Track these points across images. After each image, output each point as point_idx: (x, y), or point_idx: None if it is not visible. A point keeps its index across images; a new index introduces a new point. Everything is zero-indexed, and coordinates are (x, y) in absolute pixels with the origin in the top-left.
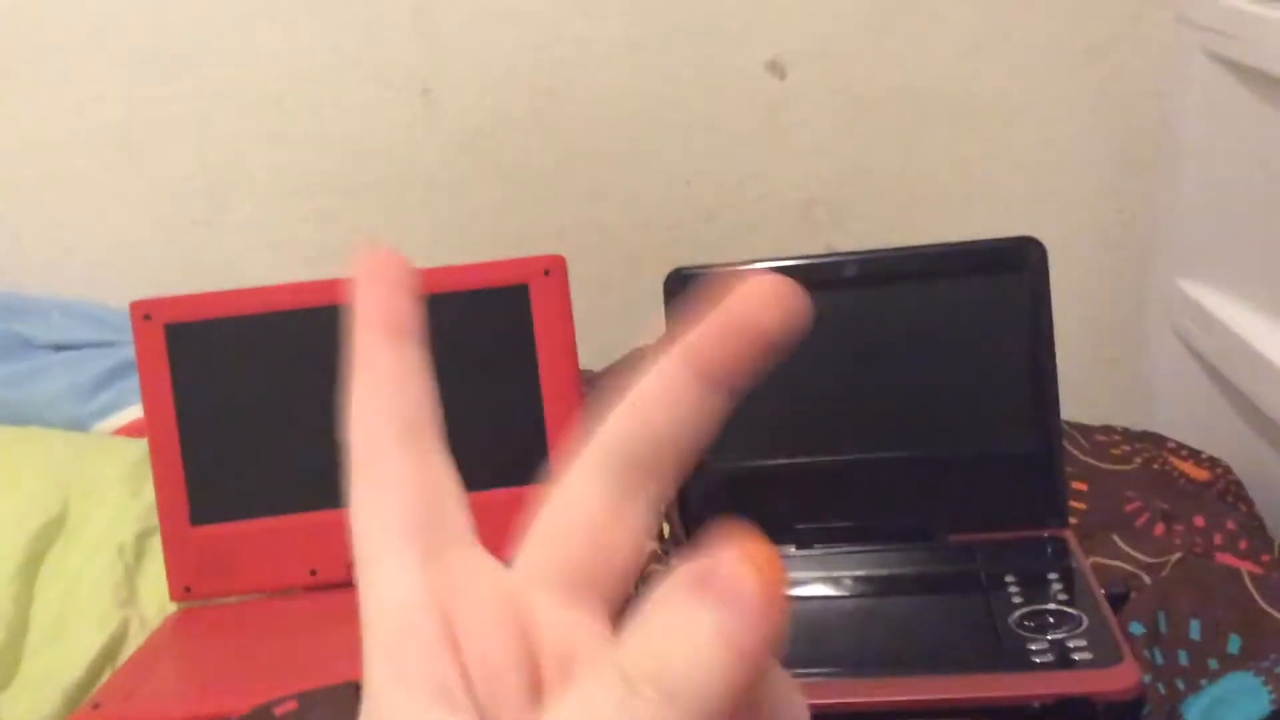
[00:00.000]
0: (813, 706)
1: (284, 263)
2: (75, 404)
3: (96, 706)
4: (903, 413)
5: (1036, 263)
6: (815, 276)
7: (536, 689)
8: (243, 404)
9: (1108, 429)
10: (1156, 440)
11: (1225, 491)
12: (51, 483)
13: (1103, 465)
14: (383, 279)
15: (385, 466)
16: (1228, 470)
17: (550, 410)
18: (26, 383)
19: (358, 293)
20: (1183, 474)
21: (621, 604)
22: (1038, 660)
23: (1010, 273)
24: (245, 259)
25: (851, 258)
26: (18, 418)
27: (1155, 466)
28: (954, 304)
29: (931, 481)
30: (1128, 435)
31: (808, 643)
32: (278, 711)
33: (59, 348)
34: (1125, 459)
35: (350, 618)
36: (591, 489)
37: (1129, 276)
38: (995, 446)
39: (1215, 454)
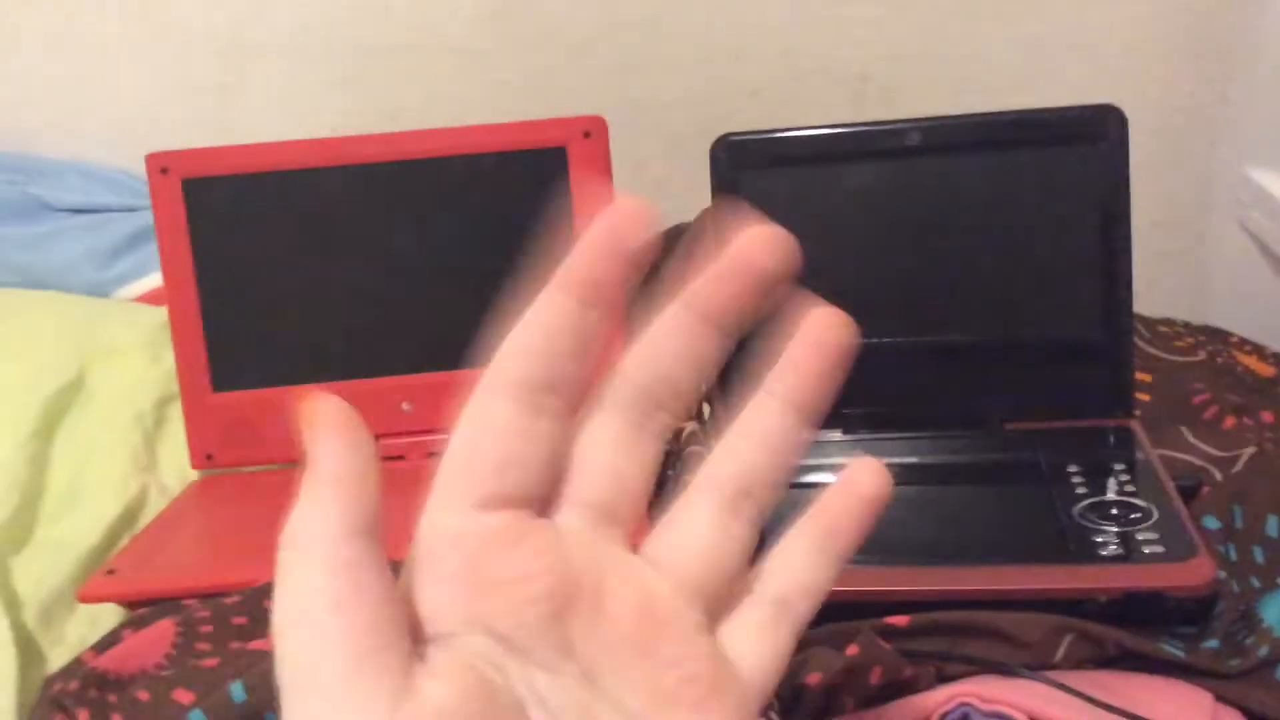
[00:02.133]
0: (864, 594)
1: (308, 129)
2: (95, 269)
3: (111, 572)
4: (963, 293)
5: (1116, 134)
6: (872, 144)
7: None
8: (267, 266)
9: (1169, 321)
10: (1220, 334)
11: None
12: (69, 347)
13: (1167, 356)
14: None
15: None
16: None
17: None
18: (44, 246)
19: (580, 248)
20: (1247, 369)
21: (636, 523)
22: (1104, 553)
23: (1086, 144)
24: (267, 123)
25: (914, 125)
26: (35, 282)
27: (1220, 360)
28: (1022, 177)
29: (991, 367)
30: (1190, 328)
31: None
32: None
33: (78, 211)
34: (1189, 351)
35: (385, 492)
36: (610, 425)
37: (1194, 164)
38: (1061, 332)
39: None
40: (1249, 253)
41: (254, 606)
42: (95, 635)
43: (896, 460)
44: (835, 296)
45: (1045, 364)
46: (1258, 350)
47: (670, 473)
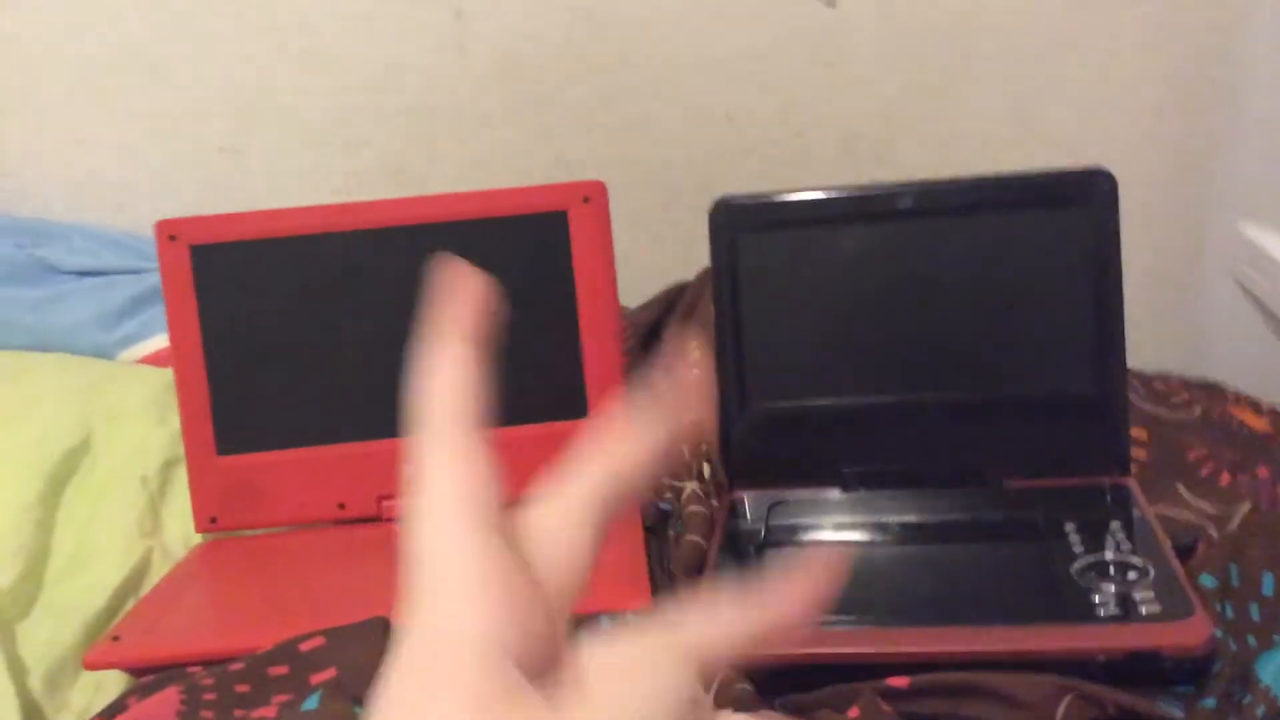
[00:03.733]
0: (863, 656)
1: (312, 192)
2: (100, 331)
3: (116, 639)
4: (958, 352)
5: (1106, 195)
6: (867, 207)
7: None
8: (271, 330)
9: (1164, 376)
10: (1215, 389)
11: None
12: (74, 410)
13: (1163, 413)
14: (463, 295)
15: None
16: None
17: (588, 343)
18: (50, 309)
19: (442, 303)
20: (1243, 424)
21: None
22: (1102, 612)
23: (1077, 206)
24: (272, 186)
25: (907, 188)
26: (43, 344)
27: (1215, 415)
28: (1015, 238)
29: (987, 425)
30: (1185, 383)
31: (855, 590)
32: (303, 648)
33: (83, 274)
34: (1185, 406)
35: (378, 552)
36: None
37: (1187, 219)
38: (1055, 389)
39: (1276, 404)
40: (1242, 307)
41: (257, 674)
42: (100, 702)
43: (894, 519)
44: (833, 356)
45: (1042, 422)
46: (1253, 405)
47: (672, 532)
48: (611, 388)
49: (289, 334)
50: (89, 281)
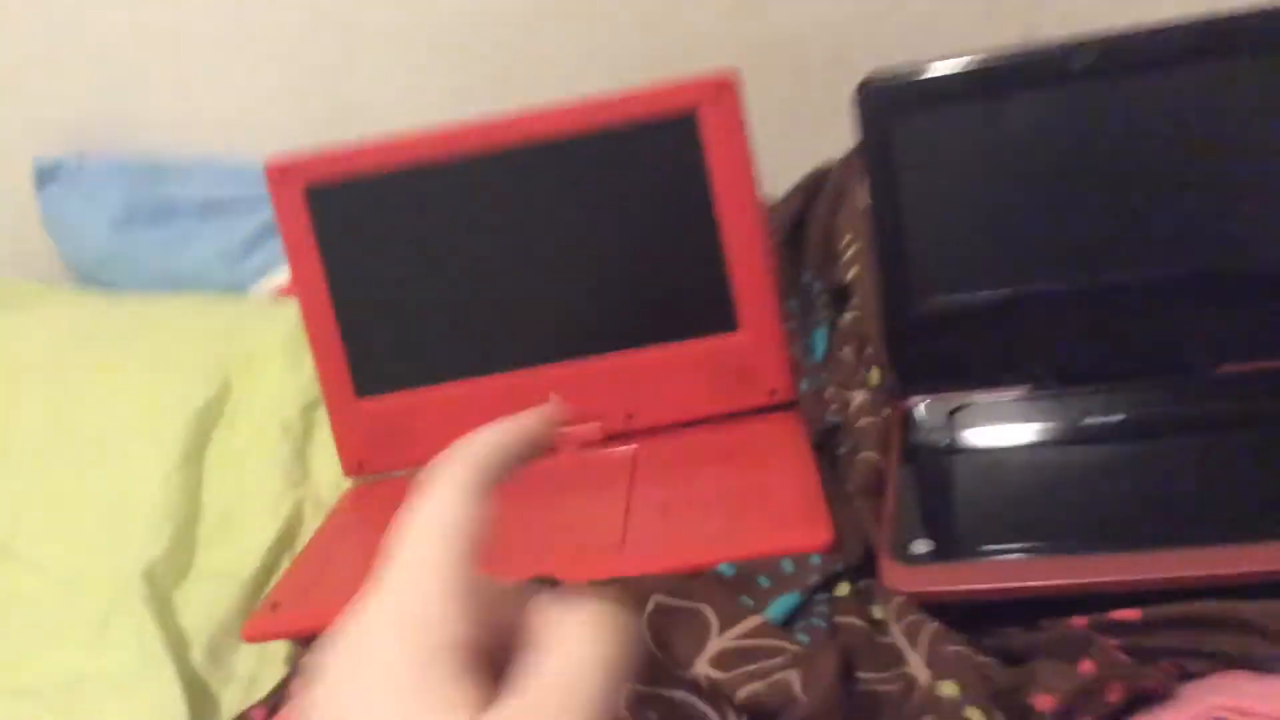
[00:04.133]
0: (1084, 587)
1: (421, 106)
2: (229, 266)
3: (275, 607)
4: (1154, 225)
5: None
6: (1044, 69)
7: None
8: (398, 266)
9: None
10: None
11: None
12: (209, 357)
13: None
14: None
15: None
16: None
17: (732, 252)
18: (177, 248)
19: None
20: None
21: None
22: None
23: None
24: (380, 104)
25: (1086, 44)
26: (172, 285)
27: None
28: (1212, 95)
29: (1192, 304)
30: None
31: (1062, 509)
32: None
33: (206, 208)
34: None
35: (540, 484)
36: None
37: None
38: (1270, 257)
39: None
40: None
41: None
42: (267, 672)
43: (1095, 419)
44: (1010, 240)
45: (1255, 295)
46: None
47: (843, 450)
48: (762, 296)
49: (415, 268)
50: (212, 217)
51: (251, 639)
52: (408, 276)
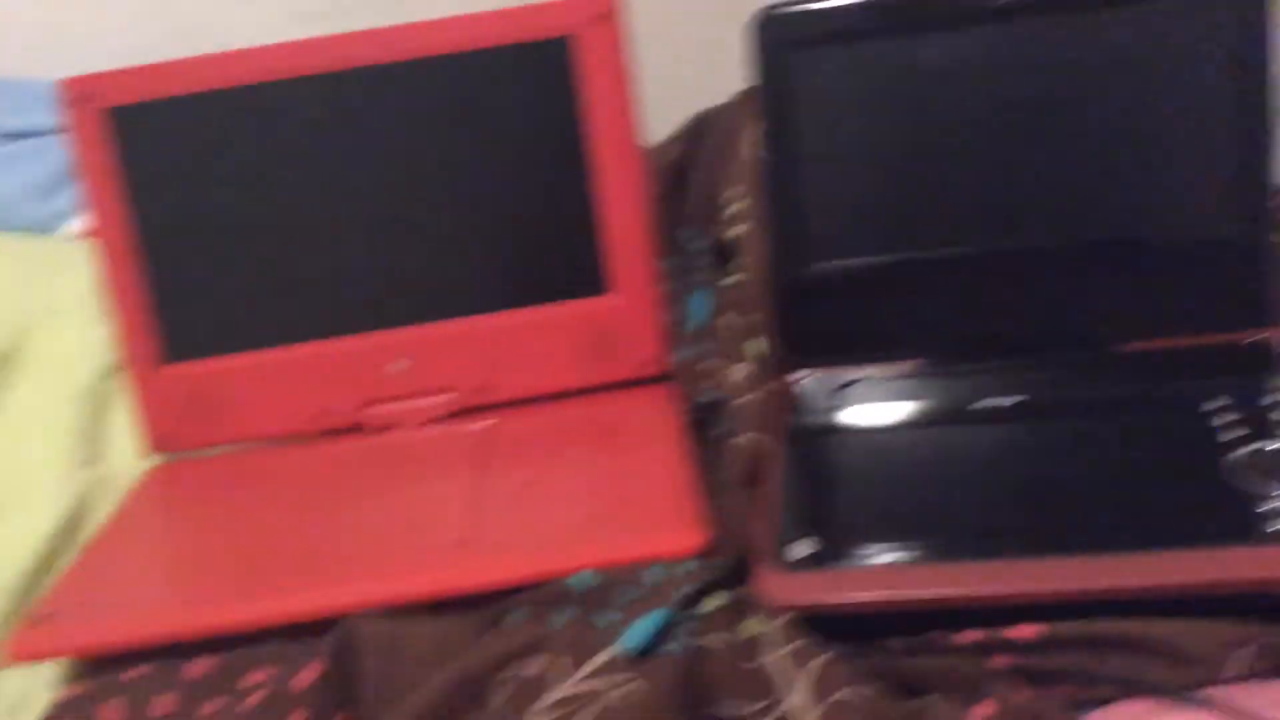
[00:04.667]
0: (972, 599)
1: (269, 21)
2: (37, 201)
3: (48, 617)
4: (1063, 188)
5: None
6: (942, 7)
7: None
8: (219, 208)
9: None
10: None
11: None
12: (3, 306)
13: None
14: None
15: None
16: None
17: (606, 201)
18: None
19: None
20: None
21: None
22: (1273, 528)
23: None
24: (221, 18)
25: None
26: None
27: None
28: (1132, 42)
29: (1099, 276)
30: None
31: (949, 506)
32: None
33: (15, 136)
34: None
35: (365, 470)
36: None
37: None
38: (1185, 227)
39: None
40: None
41: (228, 676)
42: (34, 698)
43: (991, 400)
44: (910, 201)
45: (1167, 267)
46: None
47: (715, 431)
48: (638, 255)
49: (238, 210)
50: (20, 144)
51: (18, 658)
52: (226, 221)
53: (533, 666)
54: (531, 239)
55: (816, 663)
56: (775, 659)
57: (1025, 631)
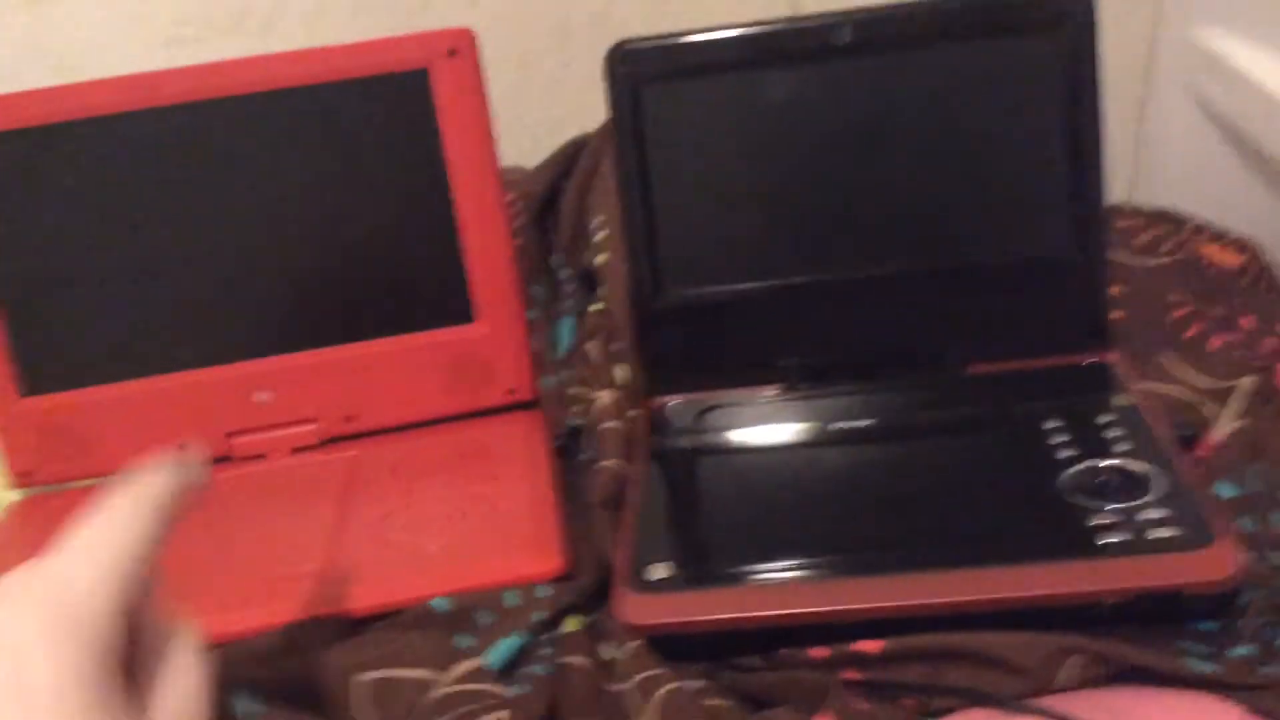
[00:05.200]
0: (820, 615)
1: (145, 43)
2: None
3: None
4: (908, 216)
5: (1081, 15)
6: (795, 44)
7: None
8: (69, 233)
9: (1118, 208)
10: (1175, 220)
11: (1259, 280)
12: None
13: (1133, 262)
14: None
15: None
16: (1259, 252)
17: (467, 230)
18: None
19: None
20: (1211, 261)
21: None
22: (1102, 541)
23: (1043, 32)
24: (93, 40)
25: (843, 19)
26: None
27: (1179, 255)
28: (970, 75)
29: (944, 299)
30: (1144, 216)
31: (803, 523)
32: None
33: None
34: (1151, 249)
35: (231, 500)
36: None
37: (1134, 29)
38: (1023, 252)
39: (1241, 234)
40: (1196, 123)
41: None
42: None
43: (845, 423)
44: (762, 229)
45: (1009, 292)
46: (1217, 237)
47: (583, 456)
48: (501, 283)
49: (100, 242)
50: None
51: None
52: (84, 253)
53: (396, 670)
54: (395, 269)
55: (661, 693)
56: (627, 687)
57: (870, 646)
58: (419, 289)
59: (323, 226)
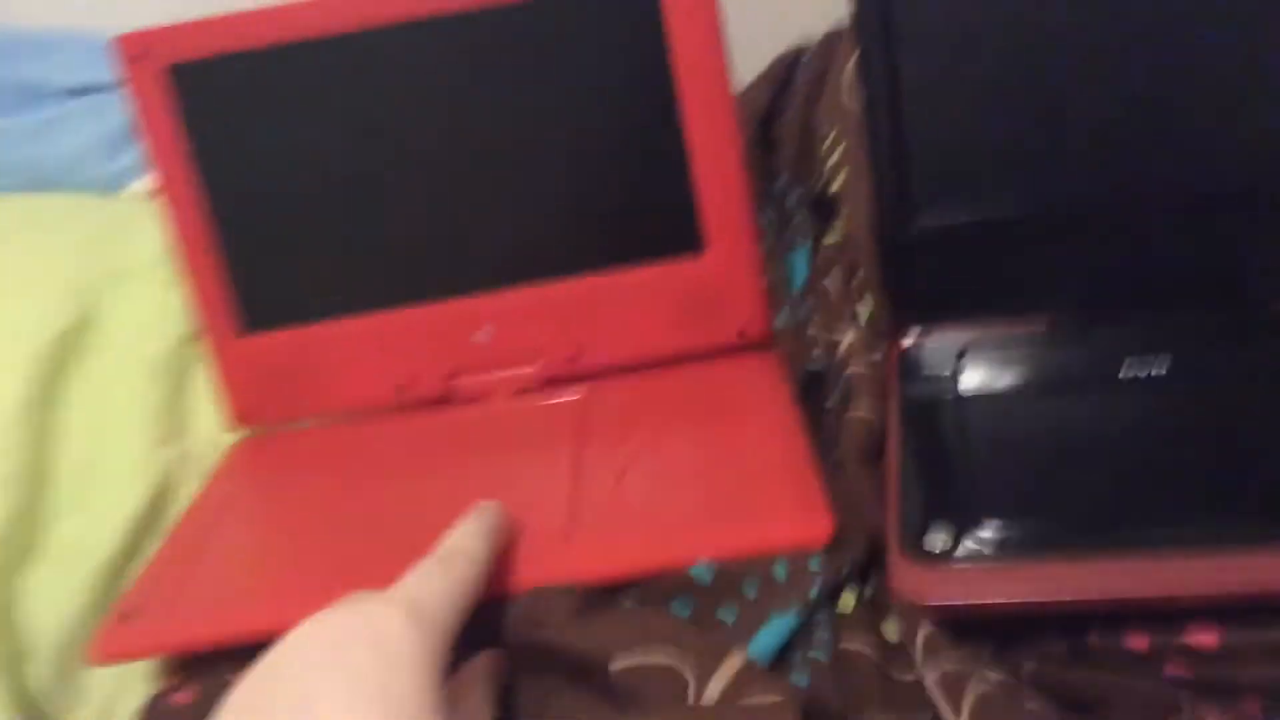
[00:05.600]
0: (1129, 603)
1: None
2: (103, 159)
3: (131, 615)
4: (1208, 129)
5: None
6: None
7: None
8: (287, 169)
9: None
10: None
11: None
12: (70, 272)
13: None
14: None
15: None
16: None
17: (698, 151)
18: (45, 137)
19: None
20: None
21: None
22: None
23: None
24: None
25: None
26: (41, 180)
27: None
28: None
29: (1245, 227)
30: None
31: (1093, 486)
32: None
33: (79, 91)
34: None
35: (453, 445)
36: None
37: None
38: None
39: None
40: None
41: None
42: (122, 700)
43: (1136, 363)
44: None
45: None
46: None
47: (829, 404)
48: (735, 209)
49: (315, 172)
50: (87, 100)
51: (101, 661)
52: (299, 183)
53: (658, 656)
54: (620, 196)
55: (972, 697)
56: (924, 681)
57: (1204, 640)
58: (645, 217)
59: (547, 152)
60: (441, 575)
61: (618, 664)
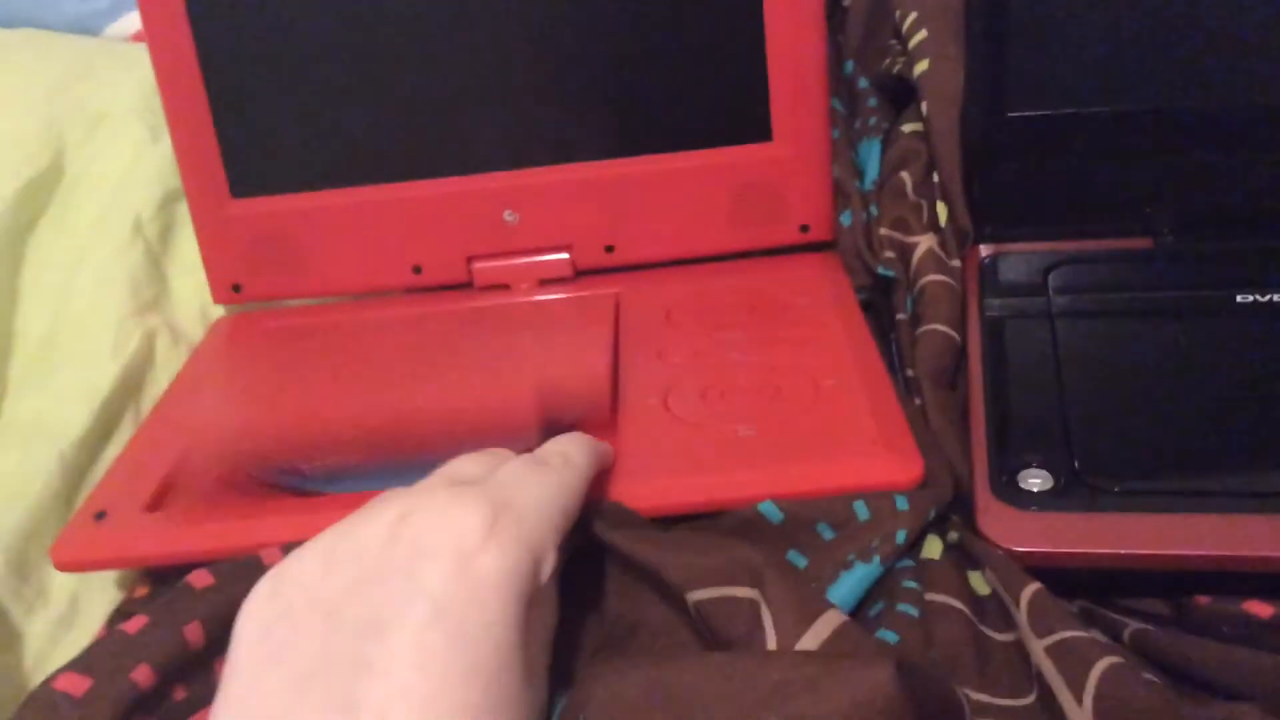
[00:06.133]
0: (1197, 560)
1: None
2: None
3: (100, 516)
4: None
5: None
6: None
7: None
8: (296, 17)
9: None
10: None
11: None
12: (39, 117)
13: None
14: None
15: None
16: None
17: (772, 25)
18: None
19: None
20: None
21: None
22: None
23: None
24: None
25: None
26: (8, 16)
27: None
28: None
29: None
30: None
31: (1199, 423)
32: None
33: None
34: None
35: (473, 334)
36: None
37: None
38: None
39: None
40: None
41: None
42: (88, 599)
43: (1239, 290)
44: (1133, 33)
45: None
46: None
47: (899, 317)
48: (809, 92)
49: (325, 21)
50: None
51: (67, 566)
52: (306, 33)
53: (742, 591)
54: (676, 70)
55: (1096, 671)
56: (1038, 646)
57: (1259, 608)
58: (705, 96)
59: (593, 15)
60: (540, 480)
61: (698, 594)
